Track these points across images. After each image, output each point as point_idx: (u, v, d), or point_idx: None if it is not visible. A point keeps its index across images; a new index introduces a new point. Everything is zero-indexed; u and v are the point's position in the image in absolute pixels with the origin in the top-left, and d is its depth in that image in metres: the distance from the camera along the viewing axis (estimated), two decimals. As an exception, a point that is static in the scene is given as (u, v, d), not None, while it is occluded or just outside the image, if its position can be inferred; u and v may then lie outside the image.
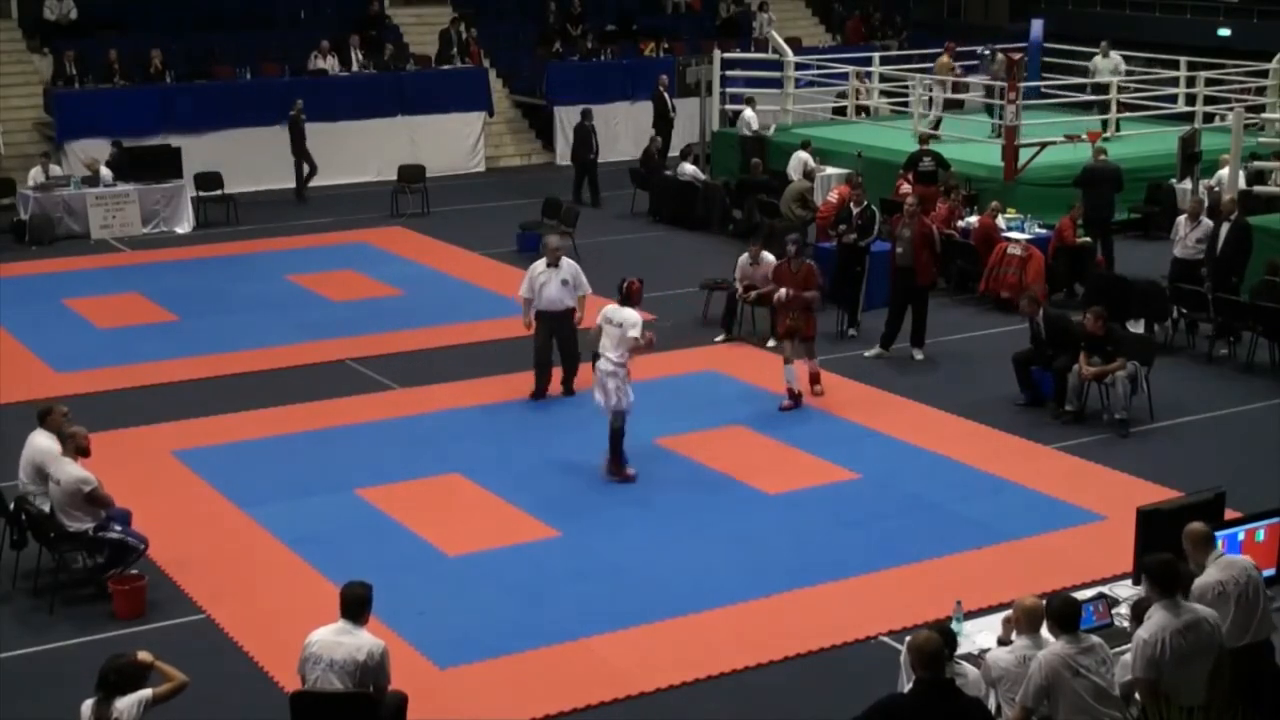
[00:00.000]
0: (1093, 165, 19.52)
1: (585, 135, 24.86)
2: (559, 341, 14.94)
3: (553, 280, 14.75)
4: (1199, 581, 8.15)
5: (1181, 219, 17.62)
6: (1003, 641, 8.31)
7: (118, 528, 10.89)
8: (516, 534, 11.97)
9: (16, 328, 17.60)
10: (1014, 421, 14.43)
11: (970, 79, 26.18)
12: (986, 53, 26.11)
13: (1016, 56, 22.14)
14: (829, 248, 18.33)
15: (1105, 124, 24.35)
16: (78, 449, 10.86)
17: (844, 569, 11.28)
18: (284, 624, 10.06)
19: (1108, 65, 24.98)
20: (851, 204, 17.76)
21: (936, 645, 7.07)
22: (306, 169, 25.17)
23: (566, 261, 14.95)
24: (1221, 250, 16.77)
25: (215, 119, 25.41)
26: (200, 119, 25.27)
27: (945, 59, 26.33)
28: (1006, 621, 8.32)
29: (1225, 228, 16.88)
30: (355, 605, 8.18)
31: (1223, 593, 8.08)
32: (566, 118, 28.53)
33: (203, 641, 10.21)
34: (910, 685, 7.40)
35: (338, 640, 8.09)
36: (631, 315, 12.97)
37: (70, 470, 10.68)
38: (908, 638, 7.77)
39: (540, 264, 14.86)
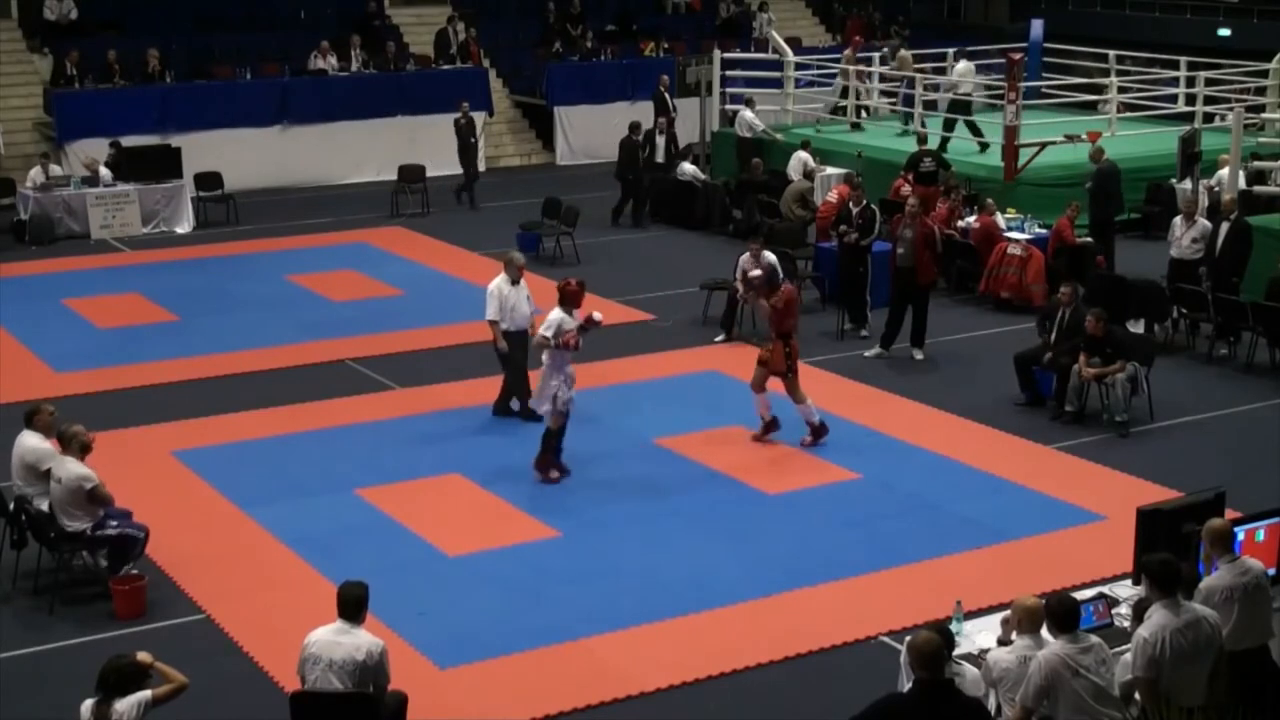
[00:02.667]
0: (1102, 167, 19.49)
1: (634, 150, 23.36)
2: (518, 359, 14.30)
3: (520, 297, 14.19)
4: (1208, 582, 8.14)
5: (1178, 219, 17.63)
6: (1003, 641, 8.31)
7: (114, 523, 10.87)
8: (516, 534, 11.97)
9: (16, 328, 17.60)
10: (1014, 421, 14.42)
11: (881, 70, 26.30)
12: (886, 50, 26.32)
13: (1017, 57, 22.13)
14: (830, 248, 18.35)
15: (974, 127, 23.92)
16: (82, 447, 10.85)
17: (844, 569, 11.27)
18: (284, 624, 10.05)
19: (960, 70, 24.87)
20: (851, 204, 17.76)
21: (936, 645, 7.07)
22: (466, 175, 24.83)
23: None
24: (1221, 250, 16.78)
25: (215, 119, 25.41)
26: (200, 119, 25.26)
27: (849, 52, 26.58)
28: (1006, 622, 8.32)
29: (1225, 228, 16.89)
30: (352, 605, 8.18)
31: (1229, 598, 8.07)
32: (567, 118, 28.55)
33: (203, 641, 10.21)
34: (910, 685, 7.40)
35: (336, 640, 8.09)
36: (552, 314, 12.90)
37: (72, 468, 10.68)
38: (908, 638, 7.77)
39: (503, 283, 14.19)
